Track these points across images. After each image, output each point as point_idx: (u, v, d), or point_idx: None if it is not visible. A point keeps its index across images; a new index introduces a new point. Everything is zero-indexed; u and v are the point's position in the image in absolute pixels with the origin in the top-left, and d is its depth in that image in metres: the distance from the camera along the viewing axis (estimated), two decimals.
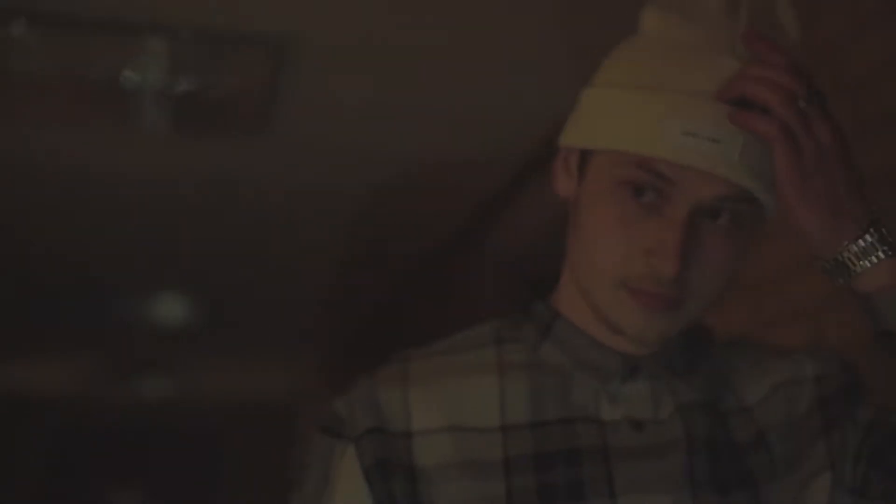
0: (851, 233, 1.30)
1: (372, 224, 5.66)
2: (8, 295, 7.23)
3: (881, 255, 1.30)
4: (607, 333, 1.42)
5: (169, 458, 13.47)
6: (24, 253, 6.31)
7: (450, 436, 1.39)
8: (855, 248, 1.30)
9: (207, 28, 3.56)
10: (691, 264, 1.32)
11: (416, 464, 1.37)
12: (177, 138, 4.32)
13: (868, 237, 1.31)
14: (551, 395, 1.42)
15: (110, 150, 4.55)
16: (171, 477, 13.44)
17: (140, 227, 5.75)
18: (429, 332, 1.60)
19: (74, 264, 6.65)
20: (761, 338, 1.73)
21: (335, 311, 7.99)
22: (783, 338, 2.74)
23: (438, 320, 6.23)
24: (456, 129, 4.26)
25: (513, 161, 4.54)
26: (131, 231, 5.85)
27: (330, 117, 4.15)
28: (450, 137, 4.37)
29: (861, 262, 1.30)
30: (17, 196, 5.21)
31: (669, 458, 1.40)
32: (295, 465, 12.08)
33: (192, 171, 4.82)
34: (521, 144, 4.34)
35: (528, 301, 1.47)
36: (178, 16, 3.51)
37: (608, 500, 1.38)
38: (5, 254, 6.32)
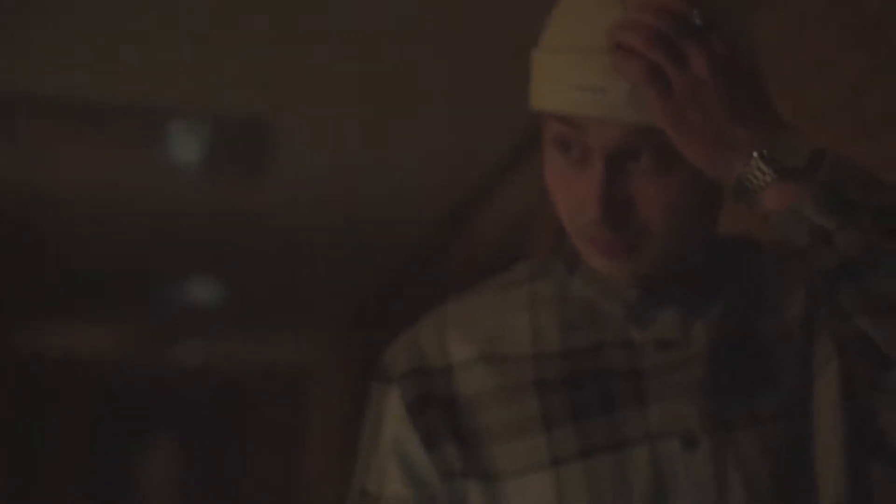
0: (739, 161, 1.28)
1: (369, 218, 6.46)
2: (64, 269, 8.00)
3: (768, 178, 1.27)
4: None
5: (199, 415, 13.96)
6: (81, 236, 7.07)
7: (486, 365, 1.40)
8: (746, 175, 1.28)
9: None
10: (629, 206, 1.32)
11: (457, 394, 1.40)
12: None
13: (753, 163, 1.28)
14: (581, 325, 1.43)
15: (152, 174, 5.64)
16: (200, 432, 13.97)
17: (178, 222, 6.66)
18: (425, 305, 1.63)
19: (125, 247, 7.40)
20: None
21: (342, 291, 8.59)
22: None
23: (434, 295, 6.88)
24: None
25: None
26: (172, 224, 6.73)
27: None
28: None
29: (754, 187, 1.28)
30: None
31: (696, 369, 1.39)
32: (307, 421, 12.80)
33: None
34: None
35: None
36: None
37: (638, 410, 1.39)
38: (66, 235, 7.04)
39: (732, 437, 1.39)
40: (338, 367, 10.70)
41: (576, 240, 1.37)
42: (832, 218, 1.25)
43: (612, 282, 1.41)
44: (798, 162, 1.27)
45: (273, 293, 8.79)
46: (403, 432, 1.41)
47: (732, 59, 1.27)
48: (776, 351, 1.42)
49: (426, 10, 4.11)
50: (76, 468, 13.40)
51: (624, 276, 1.39)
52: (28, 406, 13.16)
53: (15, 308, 9.83)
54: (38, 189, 6.01)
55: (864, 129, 3.11)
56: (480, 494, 1.40)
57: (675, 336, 1.41)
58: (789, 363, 1.41)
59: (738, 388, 1.40)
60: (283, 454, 13.49)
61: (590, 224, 1.33)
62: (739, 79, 1.27)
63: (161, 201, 6.15)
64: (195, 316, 10.04)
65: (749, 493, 1.37)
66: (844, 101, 3.14)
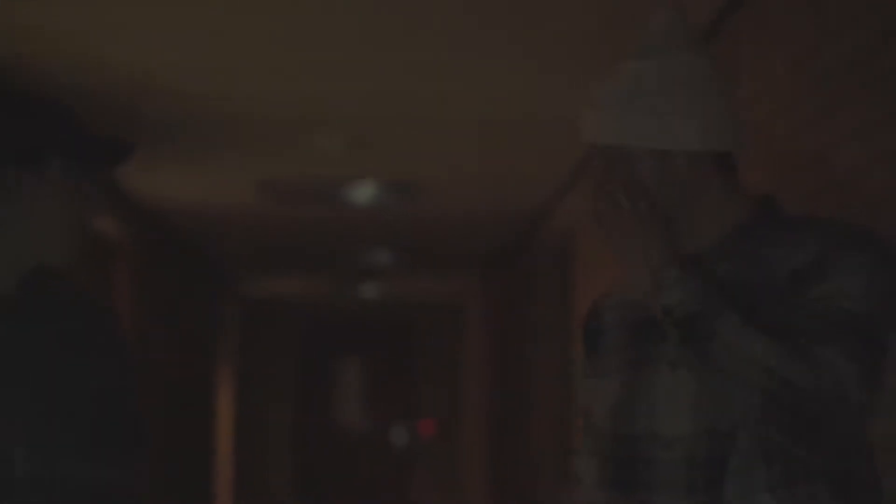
0: (643, 278, 1.68)
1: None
2: (280, 238, 9.33)
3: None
4: None
5: (381, 340, 15.12)
6: (286, 219, 8.36)
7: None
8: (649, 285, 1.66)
9: None
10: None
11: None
12: None
13: (655, 280, 1.66)
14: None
15: None
16: (381, 354, 15.02)
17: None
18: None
19: (320, 226, 8.78)
20: None
21: (486, 242, 9.53)
22: None
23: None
24: None
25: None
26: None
27: None
28: None
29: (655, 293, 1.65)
30: None
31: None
32: (462, 347, 14.20)
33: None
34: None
35: None
36: None
37: (661, 344, 1.76)
38: (281, 219, 8.44)
39: (695, 370, 1.71)
40: (480, 301, 11.84)
41: None
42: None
43: None
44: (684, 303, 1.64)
45: (433, 249, 9.97)
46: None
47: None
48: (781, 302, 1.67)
49: None
50: (287, 380, 14.80)
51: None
52: (252, 335, 14.66)
53: (246, 266, 11.35)
54: None
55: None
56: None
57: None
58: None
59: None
60: (444, 368, 14.79)
61: None
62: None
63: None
64: (376, 268, 11.23)
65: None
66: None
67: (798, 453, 1.65)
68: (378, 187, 7.03)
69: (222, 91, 4.86)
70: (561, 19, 3.88)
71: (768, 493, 1.65)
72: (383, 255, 10.29)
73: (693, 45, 1.75)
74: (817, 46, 3.07)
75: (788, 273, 1.68)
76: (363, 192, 7.19)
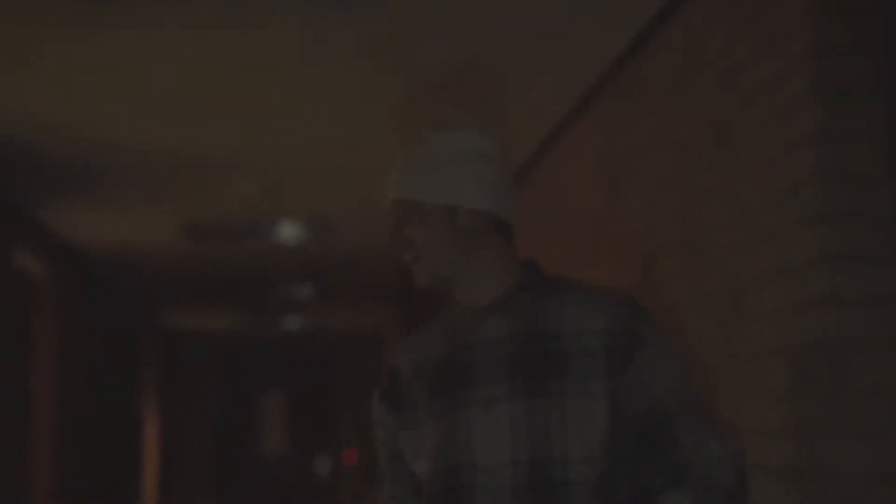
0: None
1: None
2: (203, 275, 9.41)
3: None
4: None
5: (303, 371, 15.04)
6: (217, 257, 8.41)
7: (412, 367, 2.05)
8: None
9: None
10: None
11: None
12: None
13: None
14: (448, 336, 1.99)
15: None
16: (304, 385, 14.98)
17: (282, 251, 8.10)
18: None
19: (248, 263, 8.83)
20: None
21: (399, 275, 9.61)
22: None
23: None
24: None
25: None
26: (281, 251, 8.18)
27: None
28: None
29: None
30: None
31: (504, 364, 1.90)
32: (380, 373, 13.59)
33: None
34: None
35: None
36: None
37: (471, 388, 1.92)
38: (209, 258, 8.46)
39: (510, 404, 1.88)
40: (397, 330, 11.73)
41: None
42: None
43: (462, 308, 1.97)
44: None
45: (351, 283, 10.12)
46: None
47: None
48: (557, 362, 1.87)
49: None
50: (209, 410, 14.72)
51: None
52: (174, 366, 14.54)
53: (168, 301, 11.31)
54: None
55: None
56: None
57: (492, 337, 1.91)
58: (564, 372, 1.85)
59: (528, 378, 1.86)
60: (363, 396, 14.65)
61: None
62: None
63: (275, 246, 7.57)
64: (299, 303, 11.24)
65: (514, 438, 1.86)
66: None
67: None
68: (295, 226, 7.21)
69: (142, 141, 5.02)
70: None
71: None
72: (303, 289, 10.39)
73: (481, 127, 2.04)
74: (678, 117, 3.34)
75: (577, 330, 1.90)
76: (282, 231, 7.36)
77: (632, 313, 1.90)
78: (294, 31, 3.60)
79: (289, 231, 7.37)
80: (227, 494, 14.78)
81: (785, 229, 2.60)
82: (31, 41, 3.71)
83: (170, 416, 14.51)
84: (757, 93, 2.76)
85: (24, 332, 7.00)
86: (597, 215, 4.24)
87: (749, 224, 2.81)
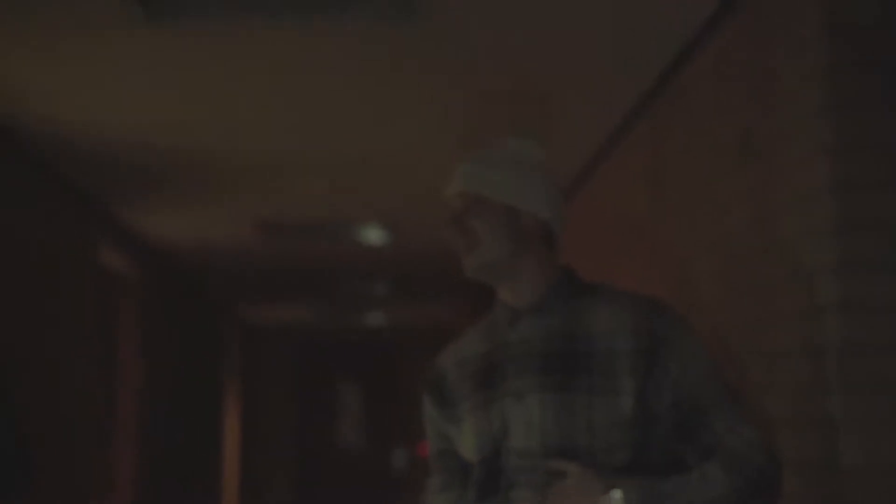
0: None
1: None
2: (280, 270, 9.52)
3: None
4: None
5: (379, 365, 15.10)
6: (295, 253, 8.59)
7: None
8: None
9: None
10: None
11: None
12: None
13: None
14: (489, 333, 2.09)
15: None
16: (379, 376, 15.05)
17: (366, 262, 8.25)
18: None
19: (327, 262, 8.93)
20: None
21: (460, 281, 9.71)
22: None
23: None
24: None
25: None
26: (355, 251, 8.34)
27: None
28: None
29: None
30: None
31: (537, 359, 1.99)
32: None
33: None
34: None
35: None
36: None
37: (506, 381, 2.02)
38: (285, 253, 8.60)
39: (540, 397, 1.97)
40: (467, 323, 11.69)
41: None
42: None
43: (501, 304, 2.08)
44: None
45: (423, 279, 10.20)
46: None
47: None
48: (586, 360, 1.95)
49: None
50: (289, 402, 14.83)
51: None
52: (254, 359, 14.72)
53: (248, 296, 11.50)
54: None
55: None
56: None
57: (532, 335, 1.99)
58: (592, 370, 1.93)
59: (559, 374, 1.94)
60: None
61: None
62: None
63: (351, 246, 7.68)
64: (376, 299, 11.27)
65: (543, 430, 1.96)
66: None
67: None
68: (367, 226, 7.32)
69: (217, 144, 5.20)
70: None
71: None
72: (379, 285, 10.46)
73: (540, 149, 2.17)
74: (712, 125, 3.45)
75: (606, 331, 2.00)
76: (355, 230, 7.46)
77: (658, 316, 1.99)
78: (356, 39, 3.72)
79: (363, 231, 7.49)
80: (306, 485, 14.88)
81: (805, 235, 2.67)
82: (114, 57, 3.90)
83: (250, 408, 14.58)
84: (778, 103, 2.85)
85: (110, 326, 7.19)
86: (640, 223, 4.30)
87: (771, 229, 2.89)
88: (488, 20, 3.49)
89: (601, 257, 4.93)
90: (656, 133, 4.15)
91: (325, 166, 5.69)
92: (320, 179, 5.99)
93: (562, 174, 5.51)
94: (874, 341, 2.45)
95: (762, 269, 2.98)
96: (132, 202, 6.50)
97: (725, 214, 3.29)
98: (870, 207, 2.51)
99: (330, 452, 14.98)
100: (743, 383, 3.07)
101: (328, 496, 14.95)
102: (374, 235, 7.60)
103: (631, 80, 4.09)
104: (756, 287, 3.00)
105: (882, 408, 2.45)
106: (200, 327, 10.60)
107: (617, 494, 1.91)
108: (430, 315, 13.42)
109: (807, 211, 2.68)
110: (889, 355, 2.46)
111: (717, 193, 3.37)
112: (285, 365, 15.00)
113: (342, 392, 15.10)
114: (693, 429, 1.99)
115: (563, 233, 2.16)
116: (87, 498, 6.05)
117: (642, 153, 4.34)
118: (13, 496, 1.92)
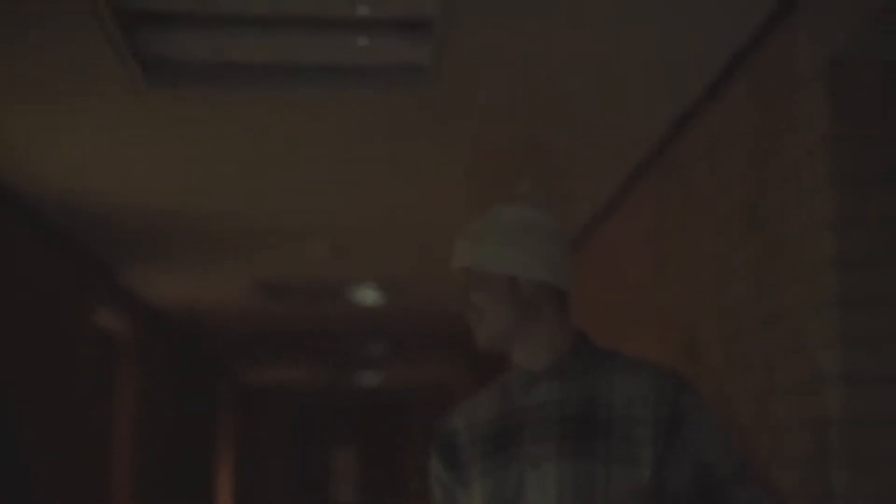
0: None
1: None
2: (277, 331, 9.48)
3: None
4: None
5: (374, 422, 15.28)
6: (292, 316, 8.48)
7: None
8: None
9: None
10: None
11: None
12: None
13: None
14: (502, 397, 2.07)
15: None
16: (375, 435, 15.20)
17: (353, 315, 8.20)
18: None
19: (324, 322, 8.89)
20: None
21: (461, 337, 9.01)
22: None
23: None
24: None
25: None
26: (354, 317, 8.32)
27: None
28: None
29: None
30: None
31: (554, 425, 1.97)
32: None
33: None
34: None
35: None
36: None
37: (521, 447, 2.00)
38: (286, 317, 8.47)
39: (557, 464, 1.95)
40: (466, 383, 11.66)
41: None
42: None
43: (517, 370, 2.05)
44: None
45: (421, 343, 10.29)
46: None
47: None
48: (604, 427, 1.94)
49: None
50: (284, 462, 14.70)
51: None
52: (250, 419, 14.60)
53: (244, 356, 11.51)
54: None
55: None
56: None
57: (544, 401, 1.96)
58: (609, 437, 1.93)
59: (577, 442, 1.92)
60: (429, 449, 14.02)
61: None
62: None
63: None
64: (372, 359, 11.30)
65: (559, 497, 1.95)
66: None
67: None
68: (366, 287, 7.32)
69: (216, 208, 5.20)
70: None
71: None
72: (376, 345, 10.44)
73: (545, 206, 2.15)
74: (715, 196, 3.46)
75: (626, 399, 1.99)
76: (354, 292, 7.45)
77: (677, 386, 1.99)
78: (357, 106, 3.72)
79: (360, 292, 7.48)
80: None
81: (807, 309, 2.67)
82: (115, 122, 3.90)
83: (245, 467, 14.50)
84: (781, 176, 2.85)
85: (107, 386, 7.15)
86: (644, 287, 4.28)
87: (775, 300, 2.89)
88: (492, 89, 3.50)
89: (606, 319, 4.90)
90: (658, 200, 4.15)
91: (323, 229, 5.68)
92: (318, 242, 5.98)
93: (572, 227, 5.50)
94: (877, 415, 2.45)
95: (766, 339, 2.97)
96: (131, 263, 6.49)
97: (729, 283, 3.29)
98: (871, 283, 2.51)
99: None
100: (749, 455, 3.06)
101: None
102: (370, 296, 7.58)
103: (633, 148, 4.11)
104: (760, 358, 2.99)
105: (886, 482, 2.44)
106: (196, 388, 10.52)
107: None
108: (426, 374, 13.37)
109: (810, 284, 2.68)
110: (893, 428, 2.46)
111: (721, 262, 3.36)
112: (281, 424, 14.99)
113: (337, 451, 15.11)
114: (716, 502, 2.00)
115: (572, 288, 2.13)
116: None
117: (644, 219, 4.35)
118: None
